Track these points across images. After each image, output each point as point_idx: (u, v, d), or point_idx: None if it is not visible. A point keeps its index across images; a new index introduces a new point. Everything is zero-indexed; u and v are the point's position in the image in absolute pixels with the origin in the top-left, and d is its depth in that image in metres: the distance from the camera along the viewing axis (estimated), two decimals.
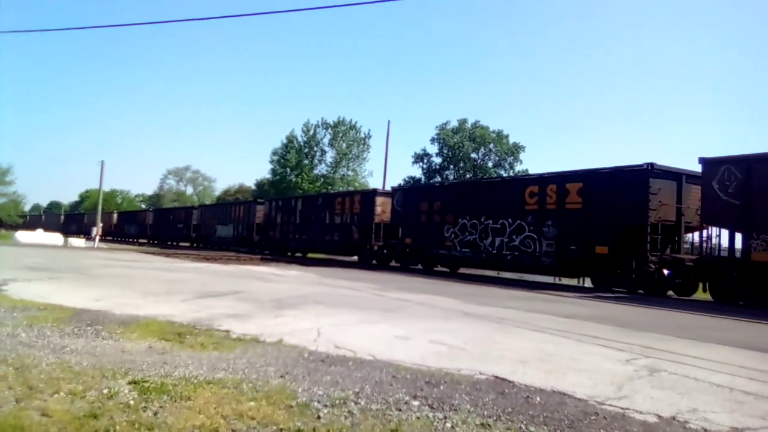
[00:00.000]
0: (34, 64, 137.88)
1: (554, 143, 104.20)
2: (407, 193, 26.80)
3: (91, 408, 3.69)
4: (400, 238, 26.07)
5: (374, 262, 27.79)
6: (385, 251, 27.67)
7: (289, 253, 35.58)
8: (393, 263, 27.43)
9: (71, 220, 79.44)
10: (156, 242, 55.28)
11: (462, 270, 25.20)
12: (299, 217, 34.02)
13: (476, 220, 21.95)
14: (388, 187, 42.15)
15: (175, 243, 52.16)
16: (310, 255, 34.83)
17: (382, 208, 27.62)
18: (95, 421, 3.47)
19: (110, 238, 64.52)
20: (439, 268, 25.46)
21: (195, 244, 48.16)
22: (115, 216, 70.71)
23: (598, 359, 6.10)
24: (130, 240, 61.90)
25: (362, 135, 63.33)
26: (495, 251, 20.98)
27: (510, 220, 20.56)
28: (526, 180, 21.33)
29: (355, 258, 29.75)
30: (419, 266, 25.42)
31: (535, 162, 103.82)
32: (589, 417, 4.04)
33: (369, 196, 28.95)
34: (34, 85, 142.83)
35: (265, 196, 55.26)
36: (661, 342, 7.54)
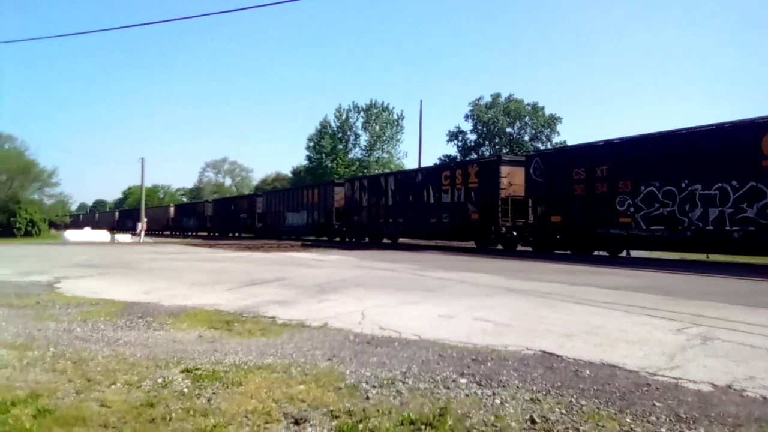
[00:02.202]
0: (71, 66, 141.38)
1: (594, 113, 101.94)
2: (551, 159, 21.34)
3: (147, 397, 3.80)
4: (543, 216, 21.20)
5: (500, 246, 23.41)
6: (514, 233, 22.81)
7: (383, 240, 31.57)
8: (521, 247, 23.02)
9: (126, 216, 77.39)
10: (217, 235, 51.63)
11: (637, 253, 20.27)
12: (392, 198, 29.27)
13: (672, 186, 16.80)
14: (424, 164, 41.05)
15: (237, 234, 48.46)
16: (402, 240, 30.82)
17: (509, 179, 22.75)
18: (152, 410, 3.57)
19: (168, 232, 63.01)
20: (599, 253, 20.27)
21: (261, 235, 43.06)
22: (172, 210, 68.31)
23: (648, 330, 5.98)
24: (189, 233, 58.35)
25: (395, 116, 63.29)
26: (711, 227, 15.84)
27: (735, 182, 15.31)
28: (763, 124, 15.02)
29: (472, 243, 25.47)
30: (568, 252, 20.65)
31: (573, 133, 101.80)
32: (641, 388, 3.97)
33: (491, 166, 23.63)
34: (73, 87, 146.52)
35: (302, 183, 55.76)
36: (713, 309, 7.35)
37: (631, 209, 17.95)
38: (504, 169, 22.91)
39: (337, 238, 34.26)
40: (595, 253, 20.20)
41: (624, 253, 20.30)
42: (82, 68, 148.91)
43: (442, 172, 26.57)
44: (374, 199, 30.85)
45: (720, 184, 15.71)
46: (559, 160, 20.94)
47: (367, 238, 32.11)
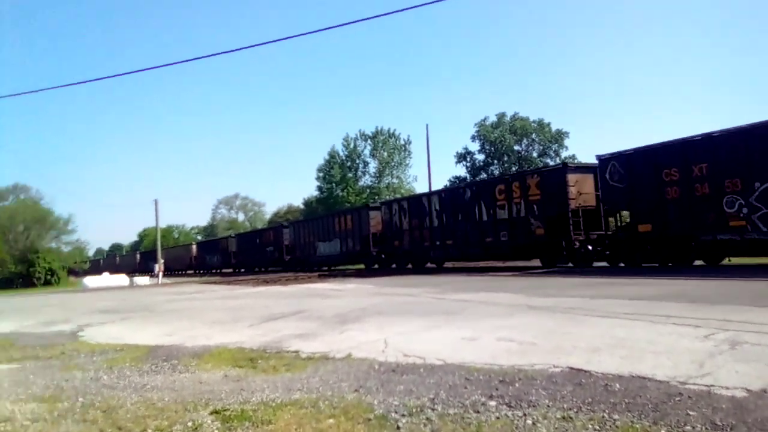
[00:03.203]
0: (78, 112, 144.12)
1: (600, 125, 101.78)
2: (633, 161, 18.73)
3: None
4: (628, 226, 19.16)
5: (570, 264, 21.22)
6: (589, 247, 20.53)
7: (427, 265, 29.82)
8: (596, 263, 20.79)
9: (147, 258, 74.44)
10: (243, 270, 50.02)
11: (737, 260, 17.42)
12: (437, 219, 27.22)
13: None
14: (435, 188, 40.36)
15: (264, 269, 46.51)
16: (451, 264, 28.86)
17: (578, 188, 20.47)
18: None
19: (192, 271, 61.69)
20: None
21: (290, 268, 41.14)
22: (195, 248, 66.59)
23: (675, 338, 5.92)
24: (214, 271, 56.82)
25: (402, 142, 63.64)
26: None
27: None
28: None
29: (536, 261, 23.25)
30: (656, 264, 18.34)
31: (582, 147, 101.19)
32: (673, 398, 3.93)
33: (556, 174, 21.41)
34: (81, 133, 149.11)
35: (314, 214, 55.90)
36: (739, 313, 7.26)
37: (745, 210, 15.60)
38: (571, 177, 20.65)
39: (376, 266, 32.49)
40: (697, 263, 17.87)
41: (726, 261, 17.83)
42: (89, 113, 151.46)
43: (495, 186, 24.39)
44: (416, 221, 28.67)
45: None
46: (642, 161, 18.46)
47: (410, 264, 30.47)
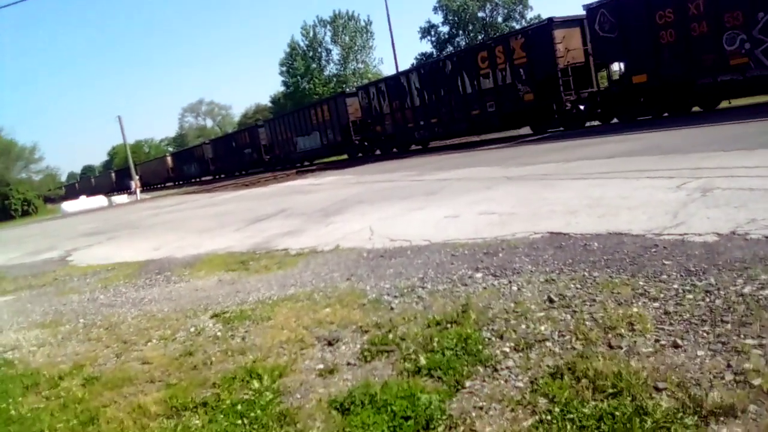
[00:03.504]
0: (29, 36, 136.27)
1: None
2: (624, 6, 17.07)
3: (184, 347, 3.97)
4: (622, 79, 17.85)
5: (561, 128, 20.09)
6: (581, 107, 19.38)
7: (411, 147, 28.79)
8: (591, 123, 19.70)
9: (123, 175, 72.49)
10: (223, 176, 49.21)
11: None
12: (418, 98, 25.78)
13: None
14: (402, 68, 39.17)
15: (244, 172, 45.95)
16: (437, 144, 27.50)
17: (565, 45, 18.84)
18: (192, 358, 3.74)
19: (171, 183, 60.95)
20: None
21: (271, 168, 39.70)
22: (170, 159, 65.15)
23: (649, 192, 6.09)
24: (193, 180, 55.52)
25: (362, 23, 61.30)
26: None
27: None
28: None
29: (527, 129, 22.45)
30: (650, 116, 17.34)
31: (549, 6, 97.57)
32: (649, 251, 4.12)
33: (542, 32, 19.57)
34: (43, 60, 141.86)
35: (283, 110, 54.81)
36: (710, 160, 7.43)
37: (747, 45, 14.17)
38: (558, 34, 18.79)
39: (360, 154, 31.60)
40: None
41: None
42: (36, 34, 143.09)
43: (477, 53, 22.59)
44: (397, 102, 27.06)
45: None
46: (634, 4, 16.76)
47: (395, 149, 29.50)
